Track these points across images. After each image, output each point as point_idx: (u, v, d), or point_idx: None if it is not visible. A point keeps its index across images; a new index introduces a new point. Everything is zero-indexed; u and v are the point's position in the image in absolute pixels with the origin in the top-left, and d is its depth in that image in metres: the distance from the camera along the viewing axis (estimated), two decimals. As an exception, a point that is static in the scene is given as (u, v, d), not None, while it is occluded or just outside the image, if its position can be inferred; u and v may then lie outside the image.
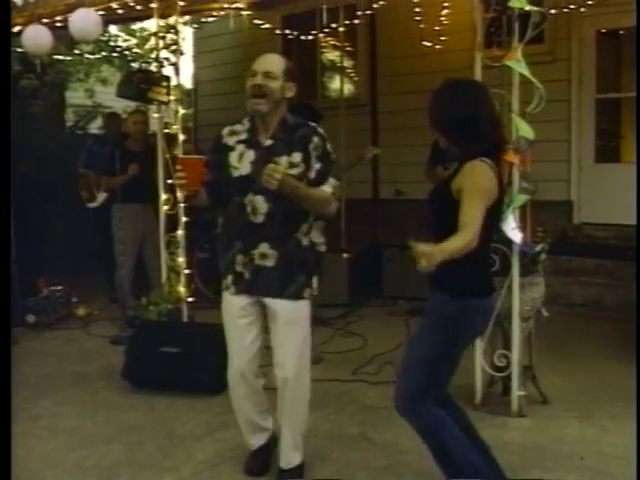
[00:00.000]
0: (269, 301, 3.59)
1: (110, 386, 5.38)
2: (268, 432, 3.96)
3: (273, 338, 3.66)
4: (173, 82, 6.01)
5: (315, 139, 3.52)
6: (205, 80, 11.69)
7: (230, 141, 3.62)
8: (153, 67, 6.20)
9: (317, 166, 3.50)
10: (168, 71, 6.02)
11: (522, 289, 4.55)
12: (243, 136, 3.59)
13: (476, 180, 3.05)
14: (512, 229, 4.39)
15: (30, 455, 4.22)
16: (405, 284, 7.48)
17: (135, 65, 14.48)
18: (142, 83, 5.86)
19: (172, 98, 5.93)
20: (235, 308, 3.65)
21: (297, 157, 3.49)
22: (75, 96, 15.25)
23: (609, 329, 6.44)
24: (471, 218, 2.95)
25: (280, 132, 3.54)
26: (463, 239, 2.90)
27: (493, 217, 3.18)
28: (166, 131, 5.97)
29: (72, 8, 6.03)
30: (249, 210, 3.50)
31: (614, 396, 4.78)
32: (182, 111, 6.03)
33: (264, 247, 3.51)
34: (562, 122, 8.07)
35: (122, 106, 10.76)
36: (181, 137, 5.88)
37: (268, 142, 3.53)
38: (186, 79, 11.70)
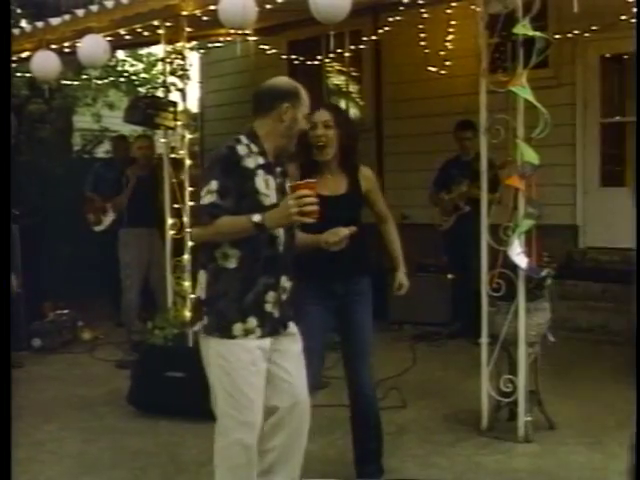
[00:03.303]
0: (287, 331, 3.35)
1: (115, 411, 5.37)
2: None
3: (287, 366, 3.34)
4: (180, 107, 6.06)
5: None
6: (211, 105, 11.75)
7: (250, 164, 3.19)
8: (160, 92, 6.25)
9: None
10: (175, 96, 6.07)
11: (528, 314, 4.54)
12: (260, 160, 3.21)
13: None
14: (518, 254, 4.39)
15: (35, 480, 4.21)
16: (410, 309, 7.46)
17: (142, 90, 14.59)
18: (149, 108, 5.92)
19: (179, 123, 5.97)
20: (257, 355, 3.18)
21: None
22: (82, 120, 15.35)
23: (615, 354, 6.41)
24: None
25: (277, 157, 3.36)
26: None
27: None
28: (173, 156, 6.01)
29: (80, 34, 6.09)
30: (278, 241, 3.21)
31: (621, 422, 4.75)
32: (189, 136, 6.07)
33: (284, 280, 3.27)
34: (567, 146, 8.08)
35: (129, 130, 10.82)
36: (188, 162, 5.91)
37: (278, 168, 3.32)
38: (192, 104, 11.78)
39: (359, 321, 3.85)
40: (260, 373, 3.20)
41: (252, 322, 3.17)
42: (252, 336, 3.17)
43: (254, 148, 3.22)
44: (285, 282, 3.27)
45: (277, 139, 3.28)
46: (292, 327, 3.38)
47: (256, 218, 3.01)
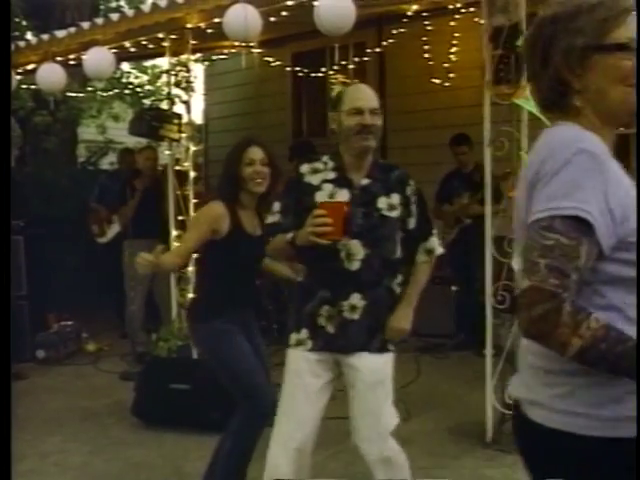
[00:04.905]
0: (351, 359, 3.19)
1: (119, 422, 5.36)
2: None
3: (355, 405, 3.24)
4: (184, 119, 6.08)
5: (411, 183, 3.30)
6: (216, 117, 11.78)
7: (314, 180, 3.22)
8: (165, 104, 6.27)
9: (416, 212, 3.28)
10: (179, 108, 6.10)
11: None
12: (330, 175, 3.22)
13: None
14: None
15: (39, 492, 4.21)
16: (414, 320, 7.43)
17: (147, 102, 14.63)
18: (154, 120, 5.95)
19: (183, 135, 5.99)
20: (308, 366, 3.20)
21: (395, 199, 3.23)
22: (87, 132, 15.41)
23: (621, 366, 6.38)
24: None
25: (375, 172, 3.26)
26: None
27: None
28: (177, 168, 6.03)
29: (85, 46, 6.13)
30: (343, 255, 3.12)
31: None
32: (193, 148, 6.09)
33: (355, 298, 3.14)
34: (571, 158, 8.08)
35: (134, 142, 10.85)
36: (192, 174, 5.93)
37: (364, 181, 3.22)
38: (197, 115, 11.82)
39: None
40: (305, 387, 3.20)
41: (304, 334, 3.22)
42: (302, 347, 3.22)
43: (332, 164, 3.26)
44: (354, 299, 3.15)
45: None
46: (364, 358, 3.19)
47: (289, 236, 3.10)
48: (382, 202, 3.20)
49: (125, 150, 9.27)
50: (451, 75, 8.32)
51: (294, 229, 3.12)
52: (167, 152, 6.22)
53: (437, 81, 8.42)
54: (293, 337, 3.24)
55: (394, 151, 9.53)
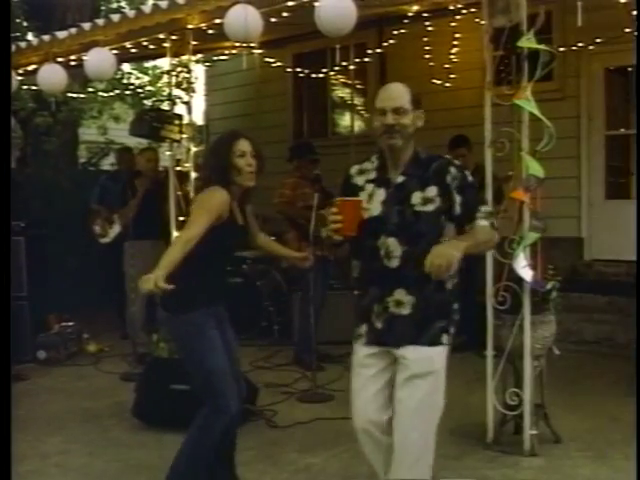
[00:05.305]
0: (401, 351, 3.24)
1: (120, 423, 5.36)
2: None
3: (395, 393, 3.28)
4: (185, 120, 6.08)
5: (452, 170, 3.26)
6: (217, 117, 11.79)
7: (359, 181, 3.37)
8: (165, 105, 6.27)
9: (459, 199, 3.23)
10: (180, 109, 6.11)
11: (533, 327, 4.53)
12: (372, 175, 3.35)
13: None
14: (523, 267, 4.39)
15: (40, 493, 4.21)
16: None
17: (148, 103, 14.63)
18: (155, 121, 5.94)
19: (184, 136, 5.99)
20: (361, 358, 3.36)
21: (432, 191, 3.23)
22: (88, 133, 15.40)
23: (621, 366, 6.38)
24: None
25: (412, 167, 3.29)
26: None
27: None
28: (178, 168, 6.03)
29: (86, 47, 6.13)
30: (382, 254, 3.22)
31: (627, 435, 4.73)
32: (194, 148, 6.09)
33: (400, 293, 3.22)
34: (572, 159, 8.08)
35: (134, 143, 10.86)
36: (193, 174, 5.93)
37: (399, 179, 3.28)
38: (198, 116, 11.83)
39: None
40: (361, 377, 3.36)
41: (362, 328, 3.35)
42: (360, 341, 3.36)
43: (376, 164, 3.37)
44: (399, 295, 3.23)
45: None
46: (411, 351, 3.22)
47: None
48: (416, 197, 3.23)
49: (123, 149, 9.24)
50: (452, 76, 8.33)
51: None
52: (168, 153, 6.22)
53: (438, 82, 8.44)
54: (355, 331, 3.39)
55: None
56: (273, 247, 4.32)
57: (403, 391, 3.22)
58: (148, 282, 3.27)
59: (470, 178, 3.31)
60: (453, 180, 3.24)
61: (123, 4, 14.59)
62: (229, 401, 3.70)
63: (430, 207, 3.22)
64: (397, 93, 3.28)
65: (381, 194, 3.28)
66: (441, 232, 3.28)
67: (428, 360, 3.22)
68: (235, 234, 3.83)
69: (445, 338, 3.26)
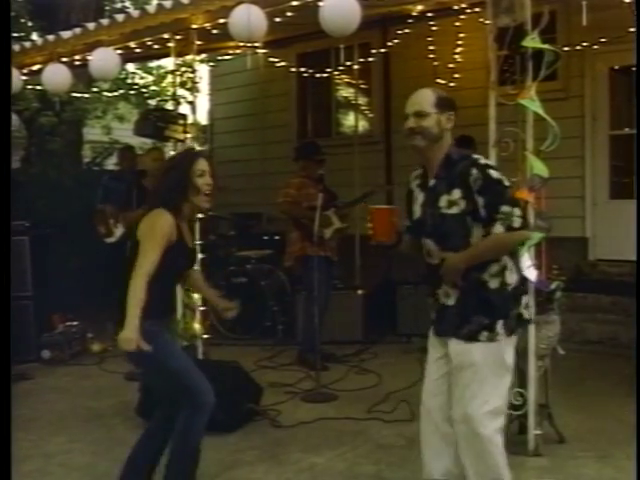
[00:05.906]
0: (447, 341, 3.44)
1: (124, 423, 5.36)
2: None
3: (451, 385, 3.49)
4: (189, 120, 6.09)
5: (473, 171, 3.27)
6: (221, 117, 11.79)
7: (413, 186, 3.64)
8: (170, 105, 6.28)
9: (482, 201, 3.25)
10: (184, 109, 6.10)
11: (537, 327, 4.53)
12: (419, 180, 3.60)
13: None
14: (527, 267, 4.38)
15: (44, 492, 4.21)
16: (419, 321, 7.42)
17: (152, 103, 14.63)
18: (159, 121, 5.95)
19: (188, 135, 6.00)
20: (429, 343, 3.63)
21: (456, 194, 3.31)
22: (92, 133, 15.41)
23: (625, 366, 6.36)
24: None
25: (443, 170, 3.40)
26: None
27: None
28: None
29: (91, 47, 6.14)
30: (425, 252, 3.51)
31: (631, 435, 4.72)
32: (198, 148, 6.09)
33: (446, 287, 3.43)
34: (576, 159, 8.07)
35: (139, 143, 10.86)
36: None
37: (432, 182, 3.44)
38: (202, 116, 11.83)
39: None
40: (431, 363, 3.59)
41: (432, 317, 3.59)
42: (431, 330, 3.61)
43: (421, 169, 3.60)
44: (446, 287, 3.41)
45: None
46: (453, 343, 3.42)
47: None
48: (443, 200, 3.36)
49: (124, 148, 9.19)
50: (456, 76, 8.32)
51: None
52: (172, 153, 6.22)
53: (442, 81, 8.42)
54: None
55: (399, 152, 9.54)
56: (202, 289, 4.34)
57: (453, 379, 3.43)
58: (129, 344, 3.34)
59: (495, 176, 3.30)
60: (475, 182, 3.27)
61: (127, 4, 14.60)
62: (205, 396, 3.72)
63: (454, 210, 3.32)
64: (419, 98, 3.50)
65: (421, 198, 3.53)
66: (468, 233, 3.33)
67: (466, 354, 3.35)
68: (185, 253, 3.82)
69: (485, 335, 3.32)
